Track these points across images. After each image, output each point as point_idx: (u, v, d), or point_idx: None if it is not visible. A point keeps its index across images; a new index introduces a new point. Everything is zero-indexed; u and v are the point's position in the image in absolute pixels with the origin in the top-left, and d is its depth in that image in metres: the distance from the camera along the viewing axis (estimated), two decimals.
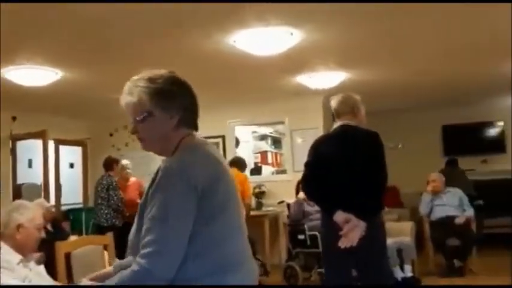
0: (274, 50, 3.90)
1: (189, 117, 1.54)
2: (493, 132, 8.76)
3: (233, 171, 5.83)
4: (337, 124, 3.06)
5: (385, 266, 3.01)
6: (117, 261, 1.66)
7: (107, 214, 5.62)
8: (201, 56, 4.45)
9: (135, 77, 1.52)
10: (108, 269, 1.71)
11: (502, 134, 8.64)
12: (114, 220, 5.61)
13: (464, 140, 8.56)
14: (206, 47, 4.12)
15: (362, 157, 2.86)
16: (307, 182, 3.02)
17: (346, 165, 2.86)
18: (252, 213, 6.18)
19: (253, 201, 6.50)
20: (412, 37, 4.28)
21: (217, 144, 7.24)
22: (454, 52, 4.84)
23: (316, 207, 5.78)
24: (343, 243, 2.69)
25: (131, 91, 1.49)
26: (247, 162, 6.81)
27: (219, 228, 1.43)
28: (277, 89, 6.16)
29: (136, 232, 1.46)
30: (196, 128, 1.58)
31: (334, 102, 3.11)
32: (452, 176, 6.48)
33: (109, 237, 3.14)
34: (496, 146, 8.52)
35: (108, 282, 1.49)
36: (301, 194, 5.80)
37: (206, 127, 8.01)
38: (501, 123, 8.68)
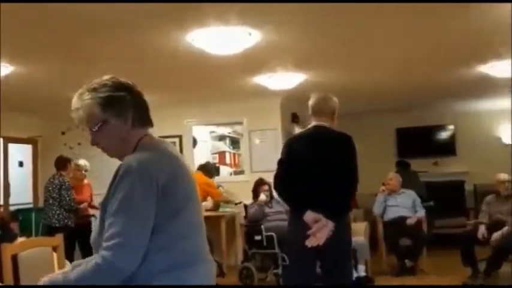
0: (232, 49, 3.88)
1: (142, 115, 1.58)
2: (444, 135, 9.08)
3: (197, 175, 5.79)
4: (311, 124, 3.10)
5: (348, 267, 3.10)
6: (77, 262, 1.67)
7: (59, 214, 5.47)
8: (158, 54, 4.38)
9: (79, 91, 1.56)
10: (67, 269, 1.72)
11: (453, 137, 8.97)
12: (66, 221, 5.46)
13: (416, 142, 8.83)
14: (163, 45, 4.05)
15: (334, 159, 2.92)
16: (279, 180, 3.05)
17: (317, 166, 2.91)
18: (209, 214, 6.12)
19: (210, 202, 6.44)
20: (369, 42, 4.36)
21: (173, 144, 7.15)
22: (408, 58, 4.97)
23: (275, 209, 5.83)
24: (310, 242, 2.75)
25: (79, 106, 1.54)
26: (202, 162, 6.75)
27: (180, 225, 1.47)
28: (235, 89, 6.15)
29: (100, 231, 1.46)
30: (151, 124, 1.61)
31: (313, 101, 3.10)
32: (405, 178, 6.67)
33: (59, 239, 3.02)
34: (447, 148, 8.83)
35: (65, 278, 1.48)
36: (262, 196, 5.83)
37: (163, 126, 7.86)
38: (452, 127, 9.01)
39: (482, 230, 5.29)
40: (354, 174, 2.95)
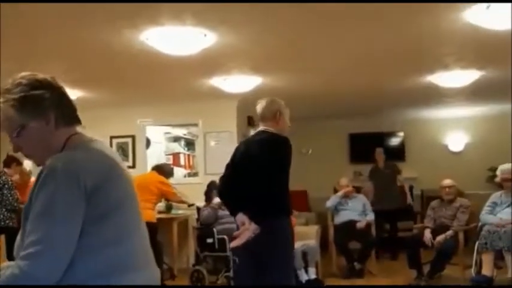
0: (187, 50, 3.85)
1: (66, 113, 1.45)
2: (394, 141, 9.34)
3: (151, 174, 5.69)
4: (258, 129, 3.19)
5: (283, 272, 3.02)
6: (6, 263, 1.51)
7: (0, 214, 5.24)
8: (111, 52, 4.27)
9: None
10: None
11: (403, 143, 9.26)
12: (8, 221, 5.23)
13: (368, 148, 9.02)
14: (116, 43, 3.97)
15: (256, 162, 2.96)
16: (220, 183, 3.21)
17: (246, 170, 2.98)
18: (161, 216, 6.05)
19: (162, 204, 6.36)
20: (323, 47, 4.43)
21: (126, 144, 7.02)
22: (360, 64, 5.09)
23: (228, 212, 5.81)
24: (232, 244, 2.90)
25: None
26: (158, 163, 6.65)
27: (112, 228, 1.36)
28: (191, 90, 6.10)
29: (22, 237, 1.34)
30: (78, 122, 1.49)
31: (259, 107, 3.20)
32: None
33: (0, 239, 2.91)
34: (397, 154, 9.07)
35: None
36: (216, 199, 5.81)
37: (115, 126, 7.72)
38: (401, 134, 9.30)
39: (427, 233, 5.48)
40: (272, 178, 2.96)
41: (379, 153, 7.43)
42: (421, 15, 3.51)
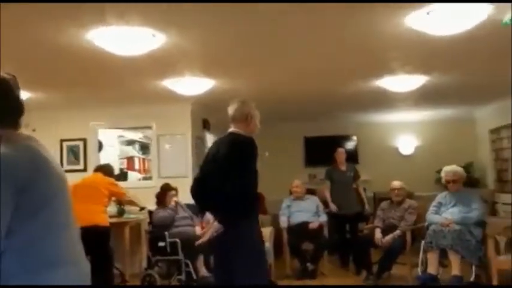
0: (136, 50, 3.80)
1: (6, 119, 1.43)
2: (349, 145, 9.53)
3: (97, 176, 5.55)
4: (228, 130, 3.24)
5: (252, 272, 3.03)
6: None
7: None
8: (59, 52, 4.16)
9: None
10: None
11: (356, 147, 9.46)
12: None
13: (323, 151, 9.17)
14: (63, 43, 3.87)
15: (228, 164, 3.00)
16: (192, 184, 3.25)
17: (216, 171, 3.04)
18: (113, 220, 5.94)
19: (114, 208, 6.25)
20: (273, 52, 4.47)
21: (77, 147, 6.86)
22: (312, 68, 5.16)
23: (180, 214, 5.78)
24: (197, 242, 3.06)
25: None
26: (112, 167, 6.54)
27: (40, 224, 1.36)
28: (144, 93, 6.03)
29: None
30: (16, 127, 1.47)
31: (230, 109, 3.24)
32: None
33: None
34: (351, 158, 9.24)
35: None
36: (171, 201, 5.77)
37: (66, 129, 7.52)
38: (355, 137, 9.51)
39: (377, 233, 5.61)
40: (239, 180, 2.96)
41: (341, 153, 6.82)
42: (365, 19, 3.58)
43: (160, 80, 5.41)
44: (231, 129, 3.22)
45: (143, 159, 8.74)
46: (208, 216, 3.02)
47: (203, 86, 5.56)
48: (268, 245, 5.73)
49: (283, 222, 6.29)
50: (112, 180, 5.53)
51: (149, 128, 7.13)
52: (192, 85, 5.47)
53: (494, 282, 4.43)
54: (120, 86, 5.76)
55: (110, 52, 3.90)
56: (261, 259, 3.14)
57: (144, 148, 8.67)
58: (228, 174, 2.96)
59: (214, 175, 3.02)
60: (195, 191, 3.18)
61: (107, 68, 4.79)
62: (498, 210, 7.76)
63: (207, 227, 2.97)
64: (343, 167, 6.75)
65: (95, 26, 3.49)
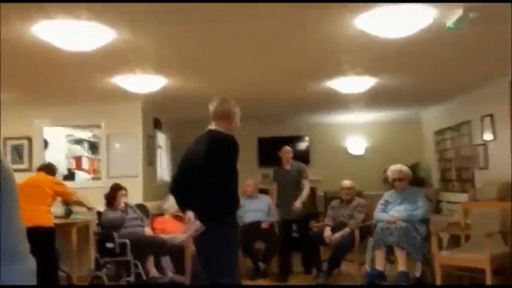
0: (83, 46, 3.69)
1: None
2: (301, 146, 9.66)
3: (40, 176, 5.34)
4: (208, 127, 3.20)
5: (227, 270, 3.02)
6: None
7: None
8: (1, 46, 3.99)
9: None
10: None
11: (308, 147, 9.61)
12: None
13: (276, 151, 9.24)
14: (5, 35, 3.71)
15: (204, 162, 2.96)
16: (171, 181, 3.26)
17: (192, 169, 3.01)
18: (60, 221, 5.74)
19: (61, 209, 6.04)
20: (225, 52, 4.46)
21: (21, 146, 6.60)
22: (263, 68, 5.20)
23: (130, 215, 5.67)
24: (178, 241, 3.25)
25: None
26: (59, 167, 6.31)
27: None
28: (93, 90, 5.86)
29: None
30: None
31: (211, 106, 3.21)
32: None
33: None
34: (303, 158, 9.36)
35: None
36: (122, 204, 5.64)
37: (9, 126, 7.23)
38: (307, 138, 9.65)
39: (327, 231, 5.71)
40: (214, 177, 2.93)
41: (285, 152, 6.30)
42: (315, 21, 3.63)
43: (110, 77, 5.28)
44: (211, 126, 3.18)
45: (92, 158, 8.50)
46: (189, 214, 3.01)
47: (155, 84, 5.47)
48: None
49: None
50: (57, 179, 5.35)
51: (98, 126, 6.96)
52: (143, 83, 5.38)
53: (438, 277, 4.59)
54: (68, 83, 5.58)
55: (57, 47, 3.77)
56: (236, 257, 3.17)
57: (93, 147, 8.43)
58: (207, 172, 2.93)
59: (194, 173, 2.98)
60: (174, 189, 3.15)
61: (53, 64, 4.62)
62: (442, 208, 8.08)
63: (187, 225, 3.02)
64: (288, 166, 6.25)
65: (40, 19, 3.36)
